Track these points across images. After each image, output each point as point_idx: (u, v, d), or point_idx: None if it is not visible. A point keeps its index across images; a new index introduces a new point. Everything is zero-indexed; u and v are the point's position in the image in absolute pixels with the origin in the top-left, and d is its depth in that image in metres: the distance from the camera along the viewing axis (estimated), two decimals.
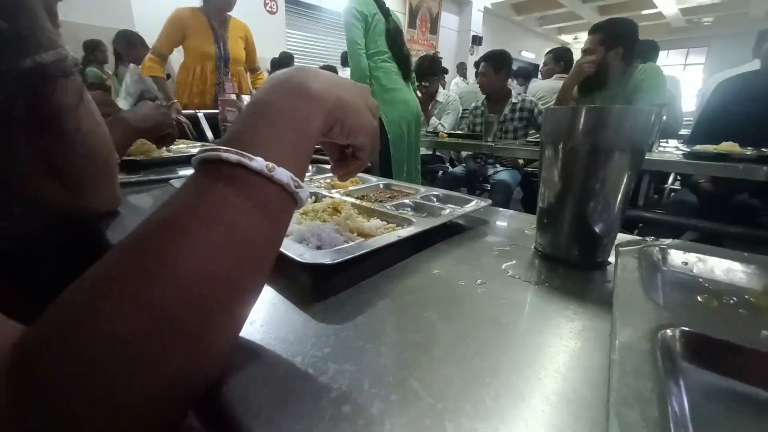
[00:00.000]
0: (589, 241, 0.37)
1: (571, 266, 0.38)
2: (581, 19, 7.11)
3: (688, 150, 1.33)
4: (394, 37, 1.70)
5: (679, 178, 2.21)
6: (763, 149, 1.21)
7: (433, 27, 6.92)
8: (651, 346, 0.20)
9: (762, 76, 1.40)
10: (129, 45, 2.68)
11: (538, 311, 0.30)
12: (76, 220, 0.49)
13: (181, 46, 2.02)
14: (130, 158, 0.87)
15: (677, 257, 0.33)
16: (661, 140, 1.81)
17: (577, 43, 8.95)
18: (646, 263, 0.31)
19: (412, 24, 6.51)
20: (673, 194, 2.00)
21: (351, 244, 0.38)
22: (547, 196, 0.39)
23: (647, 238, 0.36)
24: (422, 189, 0.60)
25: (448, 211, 0.50)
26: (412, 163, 1.88)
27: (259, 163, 0.23)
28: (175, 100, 2.02)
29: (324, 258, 0.33)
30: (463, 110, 2.67)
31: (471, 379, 0.22)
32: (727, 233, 1.34)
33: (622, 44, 1.70)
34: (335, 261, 0.32)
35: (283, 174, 0.24)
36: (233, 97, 1.45)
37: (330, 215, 0.48)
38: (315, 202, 0.54)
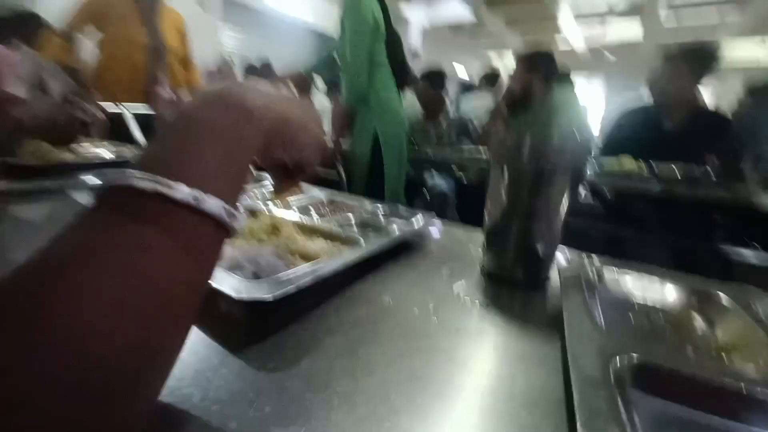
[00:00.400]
0: (534, 260, 0.38)
1: (517, 285, 0.38)
2: (506, 45, 7.79)
3: (597, 166, 1.50)
4: (397, 47, 1.53)
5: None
6: (654, 167, 1.42)
7: None
8: (605, 377, 0.21)
9: (652, 109, 1.66)
10: (23, 24, 2.28)
11: (492, 340, 0.29)
12: None
13: (100, 33, 1.77)
14: (19, 162, 0.72)
15: (610, 275, 0.35)
16: None
17: (501, 60, 9.81)
18: (586, 284, 0.32)
19: None
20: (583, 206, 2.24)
21: (294, 270, 0.34)
22: (493, 214, 0.40)
23: (582, 254, 0.38)
24: (367, 203, 0.58)
25: (394, 227, 0.48)
26: (402, 184, 1.76)
27: (182, 192, 0.19)
28: (91, 90, 1.75)
29: (264, 291, 0.29)
30: None
31: None
32: (626, 238, 1.55)
33: (544, 71, 1.89)
34: (277, 296, 0.29)
35: (213, 204, 0.20)
36: (172, 96, 1.28)
37: (268, 235, 0.44)
38: (251, 218, 0.49)
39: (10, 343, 0.14)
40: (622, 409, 0.18)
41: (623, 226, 1.55)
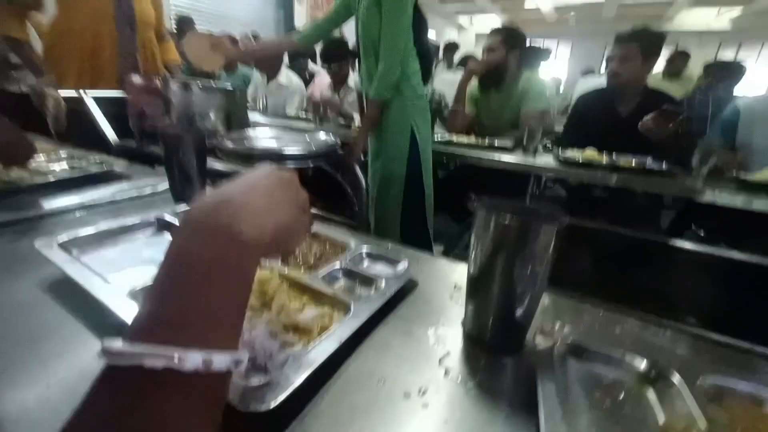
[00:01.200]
0: (512, 326, 0.42)
1: (496, 351, 0.42)
2: (476, 4, 7.53)
3: (561, 156, 1.55)
4: (423, 29, 1.32)
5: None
6: (613, 156, 1.50)
7: None
8: None
9: (608, 93, 1.72)
10: None
11: (478, 428, 0.32)
12: None
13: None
14: None
15: (575, 353, 0.39)
16: None
17: (471, 26, 9.58)
18: (558, 364, 0.36)
19: None
20: (548, 190, 2.33)
21: (291, 355, 0.35)
22: (476, 261, 0.41)
23: (556, 324, 0.42)
24: (351, 243, 0.59)
25: (382, 280, 0.49)
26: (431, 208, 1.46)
27: (193, 361, 0.19)
28: (48, 74, 1.50)
29: (273, 395, 0.30)
30: None
31: None
32: (586, 226, 1.66)
33: (520, 48, 1.87)
34: (286, 394, 0.30)
35: (222, 361, 0.21)
36: (154, 83, 1.03)
37: (257, 301, 0.44)
38: None
39: None
40: None
41: (581, 216, 1.65)
